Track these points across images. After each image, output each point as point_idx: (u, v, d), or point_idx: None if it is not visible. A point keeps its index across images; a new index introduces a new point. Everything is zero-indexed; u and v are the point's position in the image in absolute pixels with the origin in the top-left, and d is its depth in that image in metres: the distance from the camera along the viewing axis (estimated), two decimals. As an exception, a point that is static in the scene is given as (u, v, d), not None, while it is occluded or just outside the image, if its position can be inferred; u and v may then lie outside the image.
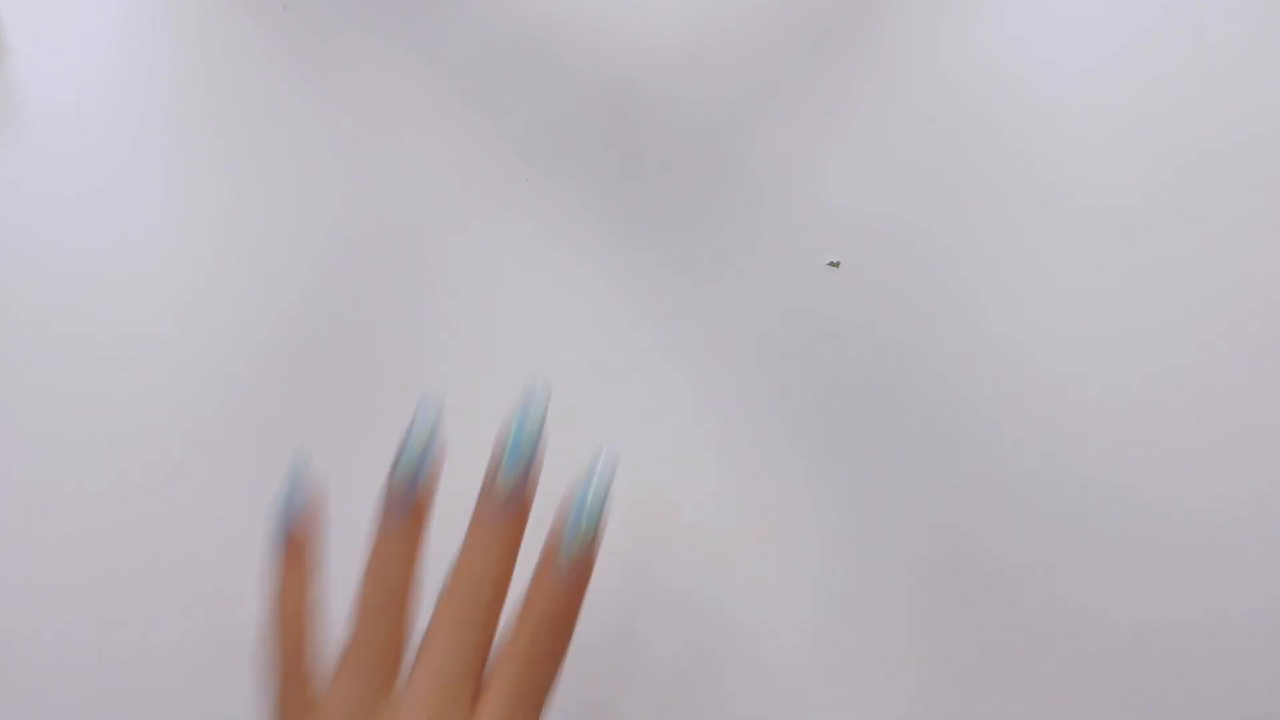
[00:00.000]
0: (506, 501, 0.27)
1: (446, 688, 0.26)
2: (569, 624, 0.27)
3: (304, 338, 0.39)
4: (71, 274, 0.39)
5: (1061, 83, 0.39)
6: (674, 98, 0.40)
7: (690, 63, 0.40)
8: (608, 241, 0.40)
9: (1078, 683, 0.38)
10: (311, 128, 0.40)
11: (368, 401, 0.39)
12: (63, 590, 0.38)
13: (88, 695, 0.38)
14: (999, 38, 0.40)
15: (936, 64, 0.40)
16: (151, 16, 0.40)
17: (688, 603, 0.39)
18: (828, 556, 0.39)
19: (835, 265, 0.39)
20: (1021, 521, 0.38)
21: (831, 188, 0.40)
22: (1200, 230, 0.38)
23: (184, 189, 0.40)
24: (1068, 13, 0.40)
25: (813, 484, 0.39)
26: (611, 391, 0.39)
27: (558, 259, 0.40)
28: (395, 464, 0.28)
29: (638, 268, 0.40)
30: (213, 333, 0.39)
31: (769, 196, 0.40)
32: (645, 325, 0.39)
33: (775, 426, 0.39)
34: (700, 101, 0.40)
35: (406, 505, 0.28)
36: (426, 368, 0.39)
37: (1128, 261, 0.39)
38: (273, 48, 0.41)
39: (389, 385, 0.39)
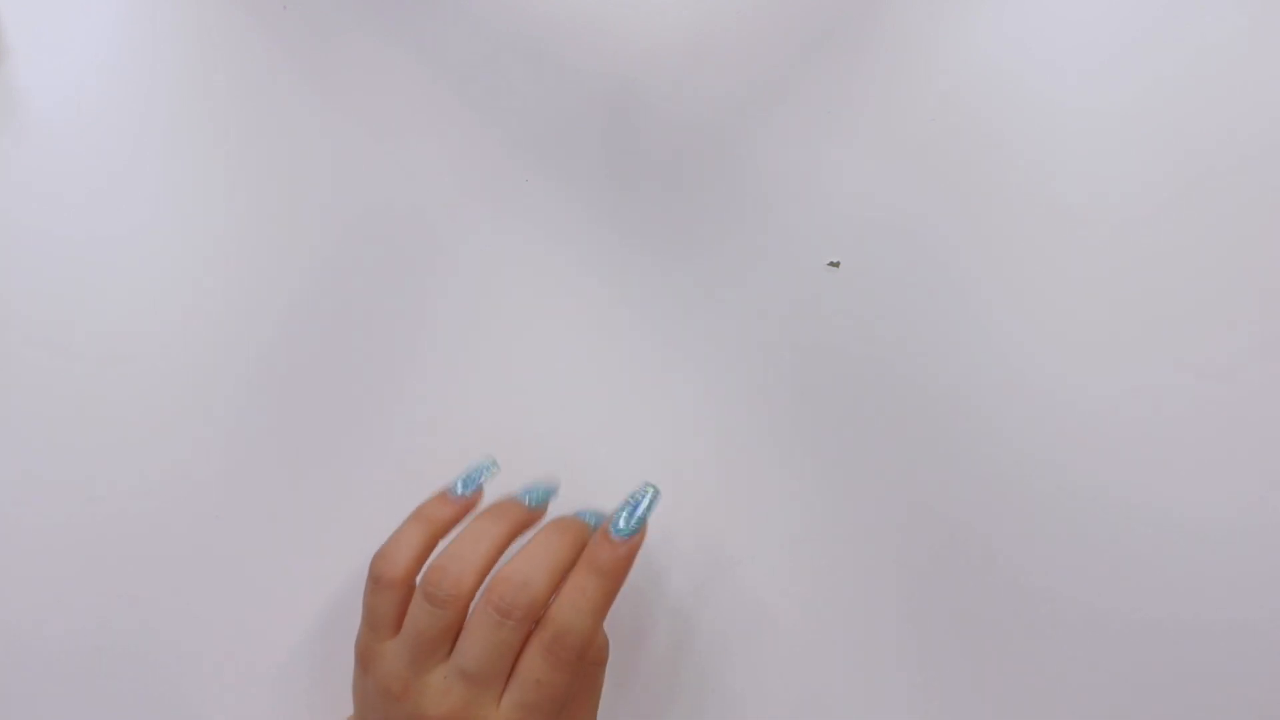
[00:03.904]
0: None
1: (473, 685, 0.31)
2: (614, 579, 0.32)
3: (303, 337, 0.39)
4: (71, 273, 0.39)
5: (1062, 82, 0.39)
6: (674, 98, 0.40)
7: (690, 63, 0.40)
8: (608, 241, 0.40)
9: (1074, 679, 0.38)
10: (311, 128, 0.40)
11: (366, 401, 0.39)
12: (62, 589, 0.38)
13: (87, 693, 0.38)
14: (999, 37, 0.40)
15: (937, 64, 0.40)
16: (151, 16, 0.40)
17: (682, 602, 0.39)
18: (826, 557, 0.39)
19: (835, 265, 0.39)
20: (1023, 521, 0.38)
21: (832, 187, 0.40)
22: (1201, 228, 0.38)
23: (184, 189, 0.40)
24: (1068, 12, 0.40)
25: (812, 483, 0.39)
26: (611, 390, 0.39)
27: (558, 259, 0.40)
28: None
29: (638, 268, 0.40)
30: (213, 332, 0.39)
31: (769, 196, 0.40)
32: (645, 324, 0.39)
33: (775, 426, 0.39)
34: (701, 101, 0.40)
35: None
36: (426, 368, 0.39)
37: (1129, 260, 0.39)
38: (273, 48, 0.41)
39: (387, 384, 0.39)
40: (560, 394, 0.39)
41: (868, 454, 0.38)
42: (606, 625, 0.35)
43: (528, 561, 0.31)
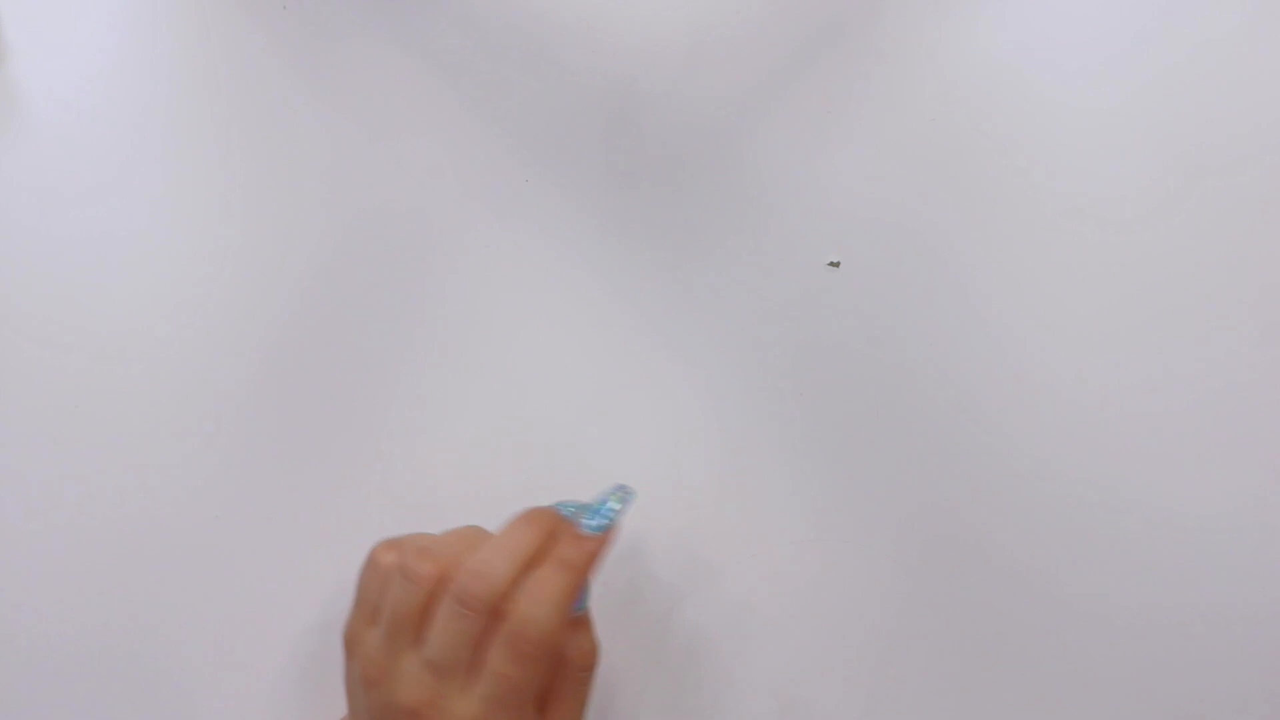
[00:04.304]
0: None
1: (440, 676, 0.30)
2: (578, 573, 0.31)
3: (303, 336, 0.39)
4: (71, 272, 0.39)
5: (1063, 80, 0.39)
6: (674, 97, 0.40)
7: (690, 63, 0.40)
8: (608, 241, 0.40)
9: (1077, 677, 0.38)
10: (311, 127, 0.40)
11: (366, 401, 0.39)
12: (62, 589, 0.38)
13: (87, 693, 0.38)
14: (1000, 36, 0.40)
15: (937, 63, 0.40)
16: (151, 16, 0.40)
17: (681, 603, 0.39)
18: (827, 557, 0.38)
19: (835, 265, 0.39)
20: (1025, 518, 0.38)
21: (832, 187, 0.40)
22: (1202, 225, 0.38)
23: (183, 188, 0.40)
24: (1069, 11, 0.39)
25: (812, 483, 0.39)
26: (610, 390, 0.39)
27: (558, 259, 0.40)
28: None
29: (638, 268, 0.40)
30: (212, 331, 0.39)
31: (770, 196, 0.40)
32: (645, 324, 0.39)
33: (775, 426, 0.39)
34: (700, 101, 0.40)
35: None
36: (425, 367, 0.39)
37: (1129, 257, 0.39)
38: (273, 48, 0.41)
39: (387, 384, 0.39)
40: (560, 394, 0.39)
41: (868, 453, 0.38)
42: (601, 628, 0.35)
43: (490, 551, 0.31)
